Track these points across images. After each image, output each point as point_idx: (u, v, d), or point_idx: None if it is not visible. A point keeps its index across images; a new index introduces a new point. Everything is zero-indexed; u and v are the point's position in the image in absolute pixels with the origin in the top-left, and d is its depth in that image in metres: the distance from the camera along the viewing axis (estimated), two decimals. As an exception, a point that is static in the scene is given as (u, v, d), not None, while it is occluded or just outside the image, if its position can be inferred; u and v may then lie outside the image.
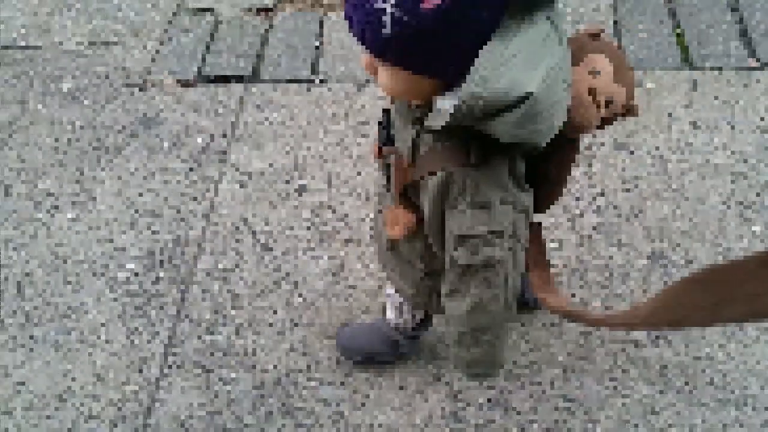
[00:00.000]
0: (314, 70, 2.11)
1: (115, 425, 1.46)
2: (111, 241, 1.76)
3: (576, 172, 1.75)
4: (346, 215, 1.75)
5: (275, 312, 1.59)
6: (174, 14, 2.33)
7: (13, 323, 1.63)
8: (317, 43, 2.20)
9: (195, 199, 1.82)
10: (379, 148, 1.03)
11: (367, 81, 2.05)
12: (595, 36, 0.95)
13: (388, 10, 0.76)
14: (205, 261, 1.69)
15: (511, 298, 1.00)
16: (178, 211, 1.80)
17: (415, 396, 1.44)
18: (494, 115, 0.79)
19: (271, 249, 1.70)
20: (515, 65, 0.77)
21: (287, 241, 1.72)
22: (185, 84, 2.12)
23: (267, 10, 2.33)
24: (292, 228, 1.74)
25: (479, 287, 0.96)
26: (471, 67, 0.78)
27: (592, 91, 0.92)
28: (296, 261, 1.67)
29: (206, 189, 1.84)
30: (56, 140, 2.01)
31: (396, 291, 1.22)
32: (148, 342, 1.57)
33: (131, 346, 1.57)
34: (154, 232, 1.77)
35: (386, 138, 1.00)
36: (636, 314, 0.87)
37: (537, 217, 1.05)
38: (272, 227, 1.74)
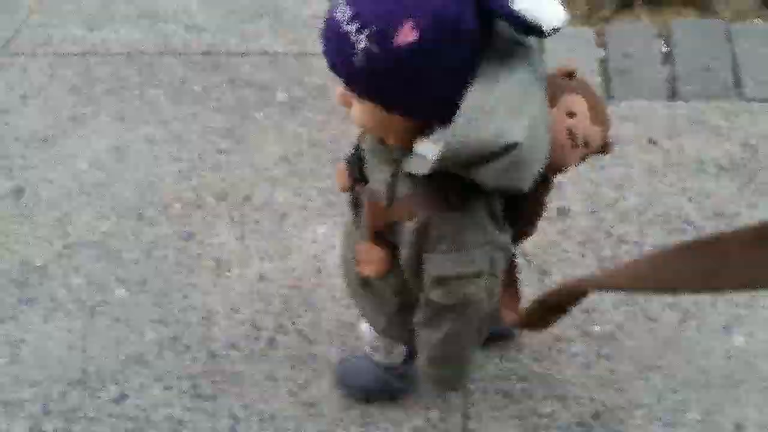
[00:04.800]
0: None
1: (426, 455, 1.37)
2: (372, 256, 1.68)
3: None
4: (623, 240, 1.66)
5: (572, 341, 1.50)
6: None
7: (289, 339, 1.55)
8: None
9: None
10: (352, 185, 1.02)
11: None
12: (569, 75, 0.95)
13: (363, 41, 0.75)
14: (480, 282, 1.61)
15: (484, 329, 1.04)
16: (435, 229, 1.72)
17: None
18: (480, 164, 0.79)
19: (548, 273, 1.61)
20: (499, 114, 0.77)
21: (563, 264, 1.63)
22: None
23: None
24: (566, 251, 1.65)
25: (454, 321, 0.98)
26: (456, 116, 0.77)
27: (570, 132, 0.92)
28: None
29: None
30: (284, 151, 1.95)
31: (368, 324, 1.20)
32: (441, 366, 1.48)
33: (421, 369, 1.48)
34: (416, 250, 1.68)
35: (357, 174, 0.99)
36: (618, 275, 0.85)
37: None
38: (542, 248, 1.66)
